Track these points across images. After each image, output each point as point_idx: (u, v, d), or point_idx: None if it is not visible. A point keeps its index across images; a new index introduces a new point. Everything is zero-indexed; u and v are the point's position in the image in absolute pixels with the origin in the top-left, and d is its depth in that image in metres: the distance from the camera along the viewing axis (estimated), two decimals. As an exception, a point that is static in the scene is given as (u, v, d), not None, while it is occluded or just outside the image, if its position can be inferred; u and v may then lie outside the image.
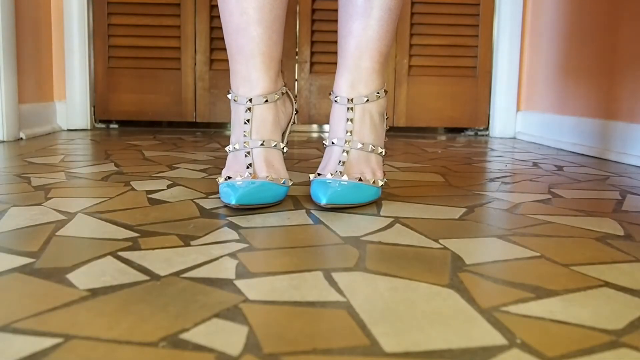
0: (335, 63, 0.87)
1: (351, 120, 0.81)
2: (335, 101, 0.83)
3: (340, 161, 0.80)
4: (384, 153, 0.84)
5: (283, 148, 0.84)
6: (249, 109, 0.80)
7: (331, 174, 0.78)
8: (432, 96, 2.03)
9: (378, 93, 0.83)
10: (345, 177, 0.78)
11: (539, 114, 1.86)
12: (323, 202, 0.75)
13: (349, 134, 0.81)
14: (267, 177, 0.78)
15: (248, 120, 0.80)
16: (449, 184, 1.00)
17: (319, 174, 0.81)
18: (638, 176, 1.15)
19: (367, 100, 0.82)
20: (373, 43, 0.82)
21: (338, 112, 0.83)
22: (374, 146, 0.82)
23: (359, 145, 0.81)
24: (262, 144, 0.79)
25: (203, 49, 1.97)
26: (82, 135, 1.77)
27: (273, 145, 0.81)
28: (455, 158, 1.38)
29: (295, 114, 0.91)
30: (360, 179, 0.79)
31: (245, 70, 0.81)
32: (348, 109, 0.82)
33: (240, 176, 0.77)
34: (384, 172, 0.84)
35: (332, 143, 0.82)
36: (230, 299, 0.46)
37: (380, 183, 0.81)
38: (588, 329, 0.42)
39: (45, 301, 0.44)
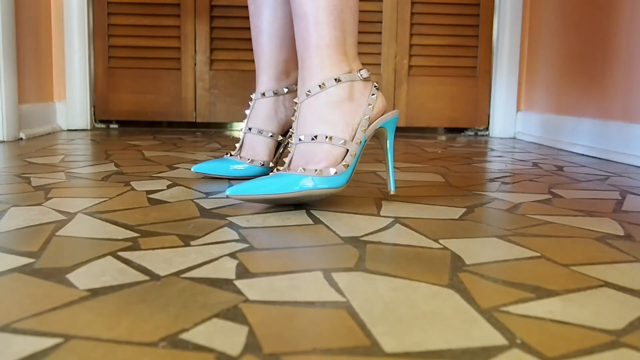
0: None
1: (297, 116, 0.80)
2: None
3: (290, 158, 0.79)
4: (340, 141, 0.77)
5: (279, 138, 1.00)
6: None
7: (278, 170, 0.78)
8: (432, 96, 2.03)
9: (321, 84, 0.78)
10: (279, 170, 0.77)
11: (539, 114, 1.86)
12: (226, 193, 0.76)
13: (293, 130, 0.81)
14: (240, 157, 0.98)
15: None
16: (449, 184, 1.00)
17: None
18: (638, 176, 1.15)
19: (309, 94, 0.79)
20: (308, 39, 0.80)
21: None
22: (317, 135, 0.77)
23: (300, 139, 0.78)
24: (249, 129, 0.99)
25: (203, 49, 1.97)
26: (82, 135, 1.77)
27: (257, 132, 0.99)
28: (455, 158, 1.38)
29: None
30: (294, 170, 0.76)
31: (257, 71, 1.02)
32: (297, 107, 0.81)
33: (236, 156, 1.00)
34: (342, 163, 0.77)
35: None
36: (230, 299, 0.46)
37: (313, 172, 0.75)
38: (588, 329, 0.42)
39: (45, 301, 0.44)
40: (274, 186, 0.75)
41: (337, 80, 0.79)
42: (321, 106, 0.79)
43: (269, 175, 0.77)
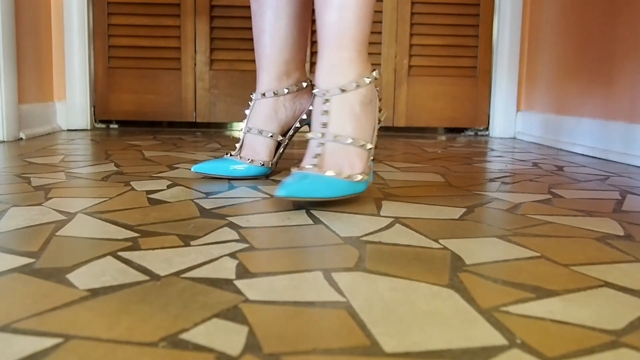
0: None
1: (327, 112, 0.80)
2: (317, 92, 0.82)
3: (315, 154, 0.79)
4: (369, 146, 0.81)
5: (279, 138, 0.99)
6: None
7: (305, 167, 0.77)
8: (432, 96, 2.03)
9: (357, 82, 0.80)
10: (315, 170, 0.77)
11: (539, 114, 1.86)
12: (280, 194, 0.73)
13: (324, 126, 0.79)
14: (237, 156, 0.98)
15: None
16: (449, 184, 1.00)
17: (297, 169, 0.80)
18: (638, 176, 1.15)
19: (344, 90, 0.80)
20: (349, 32, 0.80)
21: (316, 104, 0.82)
22: (353, 138, 0.79)
23: (334, 138, 0.79)
24: (249, 130, 0.99)
25: (203, 49, 1.97)
26: (82, 135, 1.77)
27: (257, 132, 0.98)
28: (455, 158, 1.38)
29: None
30: (338, 173, 0.77)
31: (257, 71, 1.01)
32: (325, 100, 0.80)
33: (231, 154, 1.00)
34: (369, 167, 0.81)
35: (312, 137, 0.81)
36: (230, 299, 0.46)
37: (358, 178, 0.78)
38: (588, 329, 0.42)
39: (45, 301, 0.44)
40: (325, 191, 0.76)
41: (370, 80, 0.81)
42: (354, 106, 0.80)
43: (310, 173, 0.76)
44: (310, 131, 0.83)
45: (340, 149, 0.79)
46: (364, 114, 0.81)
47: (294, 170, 0.79)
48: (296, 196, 0.74)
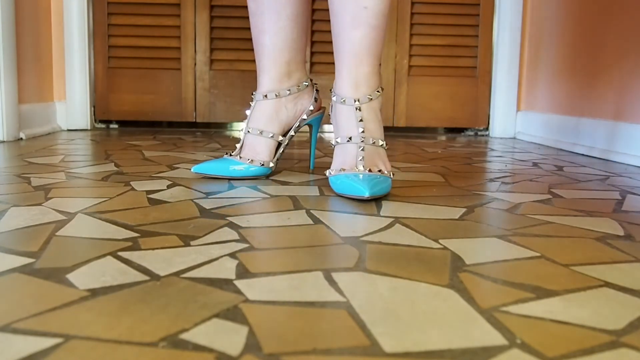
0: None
1: (362, 119, 0.87)
2: (343, 102, 0.89)
3: (360, 157, 0.85)
4: (386, 146, 0.90)
5: (280, 138, 0.99)
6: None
7: (357, 169, 0.84)
8: (432, 96, 2.03)
9: (378, 91, 0.90)
10: (368, 171, 0.84)
11: (539, 114, 1.86)
12: (367, 194, 0.79)
13: (362, 131, 0.87)
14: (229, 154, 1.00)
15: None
16: (449, 184, 1.00)
17: (342, 169, 0.85)
18: (638, 176, 1.15)
19: (371, 99, 0.89)
20: (371, 49, 0.89)
21: (347, 112, 0.89)
22: (381, 140, 0.89)
23: (372, 141, 0.87)
24: (250, 130, 0.98)
25: (203, 49, 1.97)
26: (82, 135, 1.77)
27: (258, 133, 0.98)
28: (455, 158, 1.38)
29: (317, 110, 1.04)
30: (380, 171, 0.85)
31: (258, 71, 1.01)
32: (356, 108, 0.88)
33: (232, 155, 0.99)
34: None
35: (348, 140, 0.87)
36: (230, 299, 0.46)
37: (392, 173, 0.88)
38: (588, 329, 0.42)
39: (45, 301, 0.44)
40: (388, 187, 0.85)
41: (382, 89, 0.92)
42: (377, 112, 0.90)
43: (371, 174, 0.83)
44: (335, 135, 0.91)
45: (374, 151, 0.88)
46: (380, 118, 0.91)
47: (343, 172, 0.85)
48: (379, 194, 0.82)
